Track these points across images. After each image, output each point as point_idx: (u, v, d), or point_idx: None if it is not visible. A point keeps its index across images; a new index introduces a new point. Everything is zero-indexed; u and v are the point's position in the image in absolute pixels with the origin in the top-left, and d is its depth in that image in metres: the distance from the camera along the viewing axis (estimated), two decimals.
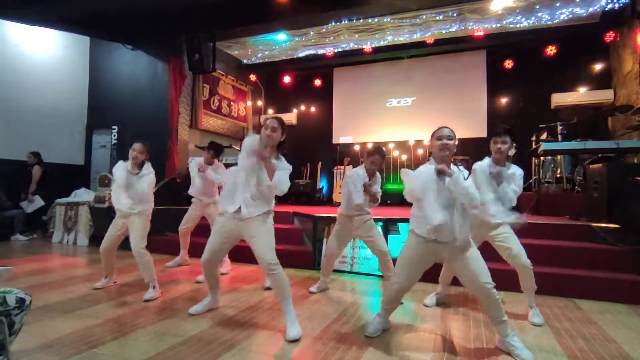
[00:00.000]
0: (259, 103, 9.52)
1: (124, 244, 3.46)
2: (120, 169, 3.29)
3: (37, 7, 5.73)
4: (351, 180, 3.14)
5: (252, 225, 2.50)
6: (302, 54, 8.24)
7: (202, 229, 4.43)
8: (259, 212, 2.51)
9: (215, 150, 4.19)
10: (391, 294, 2.40)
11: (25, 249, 5.49)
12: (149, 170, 3.34)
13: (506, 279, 3.33)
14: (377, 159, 3.12)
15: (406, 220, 4.21)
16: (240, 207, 2.50)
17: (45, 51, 7.38)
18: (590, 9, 6.01)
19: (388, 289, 2.45)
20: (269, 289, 3.42)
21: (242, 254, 3.67)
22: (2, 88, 6.65)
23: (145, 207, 3.31)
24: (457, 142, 2.28)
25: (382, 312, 2.45)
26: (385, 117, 8.36)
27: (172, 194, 6.08)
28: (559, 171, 5.74)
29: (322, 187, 8.42)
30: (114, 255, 3.44)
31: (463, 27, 6.78)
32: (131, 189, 3.26)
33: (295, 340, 2.28)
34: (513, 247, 2.66)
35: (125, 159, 3.39)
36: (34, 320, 2.51)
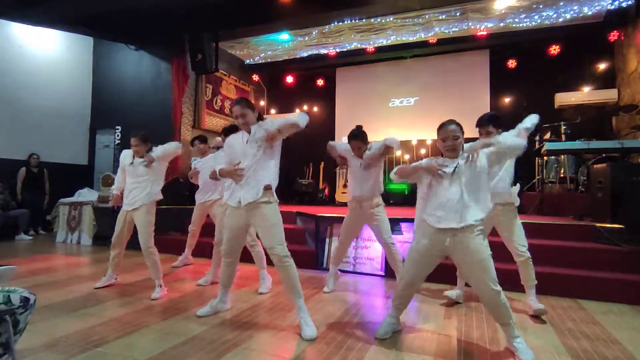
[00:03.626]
0: (262, 103, 9.53)
1: (129, 244, 3.49)
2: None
3: (41, 7, 5.76)
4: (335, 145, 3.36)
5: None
6: (304, 54, 8.24)
7: (207, 229, 4.44)
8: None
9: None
10: (399, 289, 2.40)
11: (30, 248, 5.53)
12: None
13: (508, 279, 3.33)
14: (355, 144, 3.16)
15: (408, 220, 4.21)
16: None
17: (49, 52, 7.42)
18: (594, 8, 5.98)
19: (397, 284, 2.46)
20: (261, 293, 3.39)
21: (247, 253, 3.67)
22: (7, 88, 6.69)
23: (148, 199, 3.32)
24: (463, 137, 2.24)
25: (393, 311, 2.43)
26: (388, 117, 8.35)
27: (175, 194, 6.11)
28: (562, 171, 5.72)
29: (325, 187, 8.42)
30: (122, 254, 3.48)
31: (466, 27, 6.76)
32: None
33: (311, 340, 2.29)
34: (512, 234, 2.74)
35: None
36: (39, 319, 2.52)
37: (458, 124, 2.23)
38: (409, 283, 2.36)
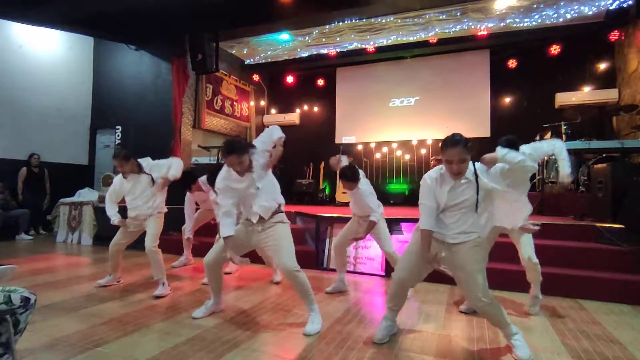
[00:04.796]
0: (262, 103, 9.54)
1: (132, 244, 3.50)
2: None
3: (41, 7, 5.76)
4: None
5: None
6: (305, 54, 8.24)
7: (205, 229, 4.44)
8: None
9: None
10: (392, 287, 2.36)
11: (30, 248, 5.53)
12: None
13: (509, 279, 3.33)
14: (346, 181, 3.13)
15: (408, 220, 4.21)
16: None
17: (50, 52, 7.42)
18: (595, 8, 5.97)
19: (390, 284, 2.43)
20: (277, 283, 3.57)
21: (248, 253, 3.67)
22: (7, 88, 6.69)
23: (161, 209, 3.47)
24: (469, 155, 2.02)
25: (388, 313, 2.37)
26: (388, 117, 8.35)
27: (175, 194, 6.09)
28: None
29: (325, 186, 8.42)
30: (121, 253, 3.49)
31: (466, 27, 6.75)
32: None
33: (308, 335, 2.38)
34: (522, 245, 2.71)
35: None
36: (39, 319, 2.53)
37: (465, 143, 1.99)
38: (401, 281, 2.31)
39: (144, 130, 7.25)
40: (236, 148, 2.40)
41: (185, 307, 2.91)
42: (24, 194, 6.52)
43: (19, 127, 6.83)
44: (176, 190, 6.25)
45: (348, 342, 2.28)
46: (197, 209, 4.43)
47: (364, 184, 3.21)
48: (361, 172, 3.21)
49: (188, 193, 4.23)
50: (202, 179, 4.22)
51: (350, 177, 3.11)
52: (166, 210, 3.56)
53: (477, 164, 2.12)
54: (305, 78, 9.12)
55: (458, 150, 1.97)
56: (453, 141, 1.99)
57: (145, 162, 3.46)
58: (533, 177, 6.11)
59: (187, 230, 4.29)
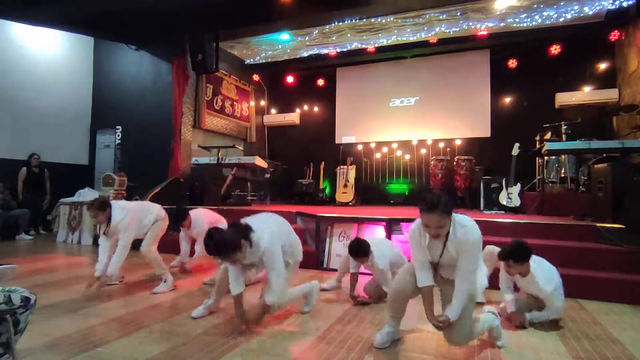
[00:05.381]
0: (262, 103, 9.54)
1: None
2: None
3: (42, 7, 5.77)
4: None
5: None
6: (305, 54, 8.25)
7: None
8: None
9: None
10: (390, 297, 2.33)
11: (30, 248, 5.53)
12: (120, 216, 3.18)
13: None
14: (357, 259, 3.06)
15: (409, 220, 4.21)
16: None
17: (50, 52, 7.43)
18: (595, 8, 5.97)
19: (388, 294, 2.40)
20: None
21: None
22: (7, 88, 6.70)
23: (160, 217, 3.50)
24: (449, 218, 1.88)
25: (390, 320, 2.30)
26: (388, 117, 8.35)
27: (175, 194, 6.10)
28: (563, 171, 5.71)
29: (325, 186, 8.42)
30: None
31: (466, 27, 6.75)
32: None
33: (305, 313, 2.70)
34: None
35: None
36: (39, 319, 2.52)
37: (444, 208, 1.82)
38: (396, 292, 2.24)
39: (144, 130, 7.26)
40: (221, 252, 2.21)
41: (185, 307, 2.90)
42: (24, 194, 6.53)
43: (19, 127, 6.83)
44: (174, 190, 6.23)
45: (348, 342, 2.28)
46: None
47: (380, 257, 2.99)
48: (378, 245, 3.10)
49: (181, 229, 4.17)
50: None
51: (357, 250, 3.00)
52: (164, 214, 3.56)
53: (459, 218, 1.93)
54: (305, 78, 9.11)
55: (436, 217, 1.82)
56: (430, 206, 1.81)
57: (122, 206, 3.27)
58: (533, 177, 6.13)
59: (183, 256, 4.23)
